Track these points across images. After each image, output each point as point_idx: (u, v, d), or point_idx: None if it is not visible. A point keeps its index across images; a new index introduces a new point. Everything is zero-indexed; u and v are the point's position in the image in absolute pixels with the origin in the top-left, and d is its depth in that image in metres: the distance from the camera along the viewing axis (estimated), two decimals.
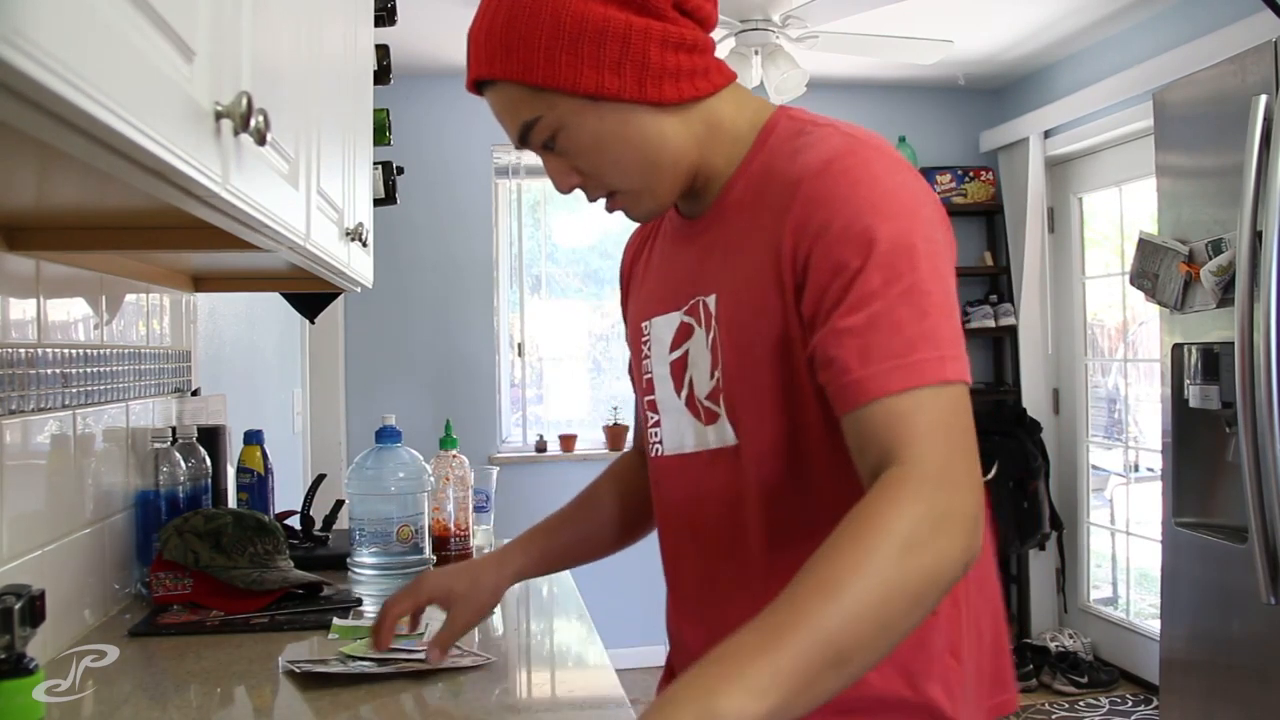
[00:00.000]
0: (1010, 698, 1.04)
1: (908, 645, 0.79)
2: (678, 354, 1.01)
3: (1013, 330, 4.37)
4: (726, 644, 0.70)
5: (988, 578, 1.02)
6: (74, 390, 1.41)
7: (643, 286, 1.11)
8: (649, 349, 1.06)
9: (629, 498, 1.23)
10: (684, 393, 1.01)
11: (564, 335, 4.64)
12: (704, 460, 0.99)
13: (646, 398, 1.08)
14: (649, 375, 1.07)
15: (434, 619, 1.42)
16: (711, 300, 0.96)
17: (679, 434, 1.02)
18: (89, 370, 1.46)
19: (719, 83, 0.96)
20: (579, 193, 0.99)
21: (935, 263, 0.83)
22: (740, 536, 0.98)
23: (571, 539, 1.24)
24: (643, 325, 1.07)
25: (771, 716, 0.66)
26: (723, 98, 0.97)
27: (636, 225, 1.14)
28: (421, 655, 1.26)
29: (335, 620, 1.43)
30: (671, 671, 1.17)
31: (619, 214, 1.00)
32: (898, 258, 0.81)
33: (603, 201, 0.99)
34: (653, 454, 1.08)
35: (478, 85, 0.95)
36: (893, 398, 0.79)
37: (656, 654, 1.52)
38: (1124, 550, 4.13)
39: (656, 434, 1.06)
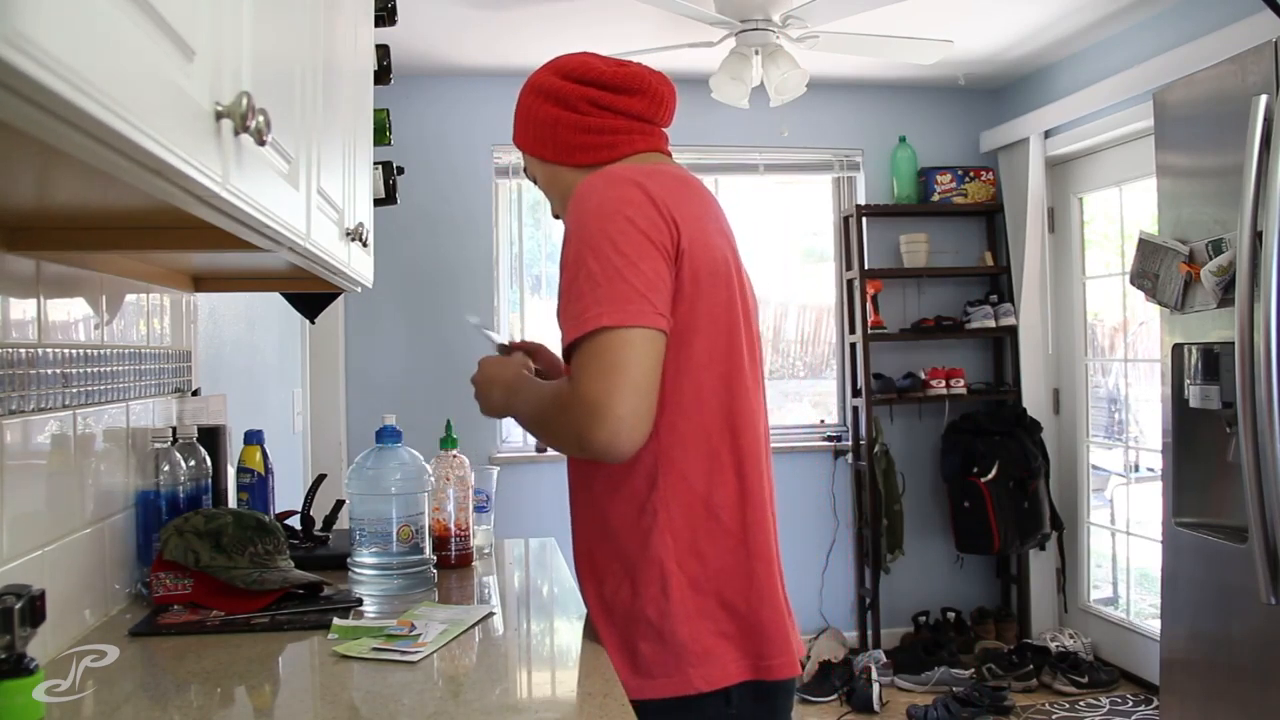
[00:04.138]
0: (775, 663, 1.31)
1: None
2: None
3: (1013, 330, 4.37)
4: (526, 388, 1.44)
5: (713, 553, 1.32)
6: (74, 390, 1.41)
7: None
8: None
9: None
10: None
11: None
12: None
13: None
14: None
15: (432, 622, 1.42)
16: None
17: None
18: (89, 370, 1.46)
19: (619, 155, 1.41)
20: None
21: (613, 250, 1.24)
22: (572, 476, 1.45)
23: None
24: None
25: (505, 411, 1.48)
26: (620, 163, 1.39)
27: None
28: (417, 658, 1.26)
29: (335, 620, 1.42)
30: None
31: None
32: (582, 255, 1.25)
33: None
34: None
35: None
36: (574, 344, 1.23)
37: None
38: (1124, 550, 4.14)
39: None
